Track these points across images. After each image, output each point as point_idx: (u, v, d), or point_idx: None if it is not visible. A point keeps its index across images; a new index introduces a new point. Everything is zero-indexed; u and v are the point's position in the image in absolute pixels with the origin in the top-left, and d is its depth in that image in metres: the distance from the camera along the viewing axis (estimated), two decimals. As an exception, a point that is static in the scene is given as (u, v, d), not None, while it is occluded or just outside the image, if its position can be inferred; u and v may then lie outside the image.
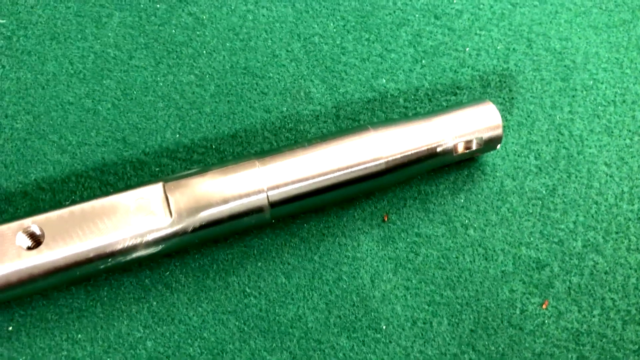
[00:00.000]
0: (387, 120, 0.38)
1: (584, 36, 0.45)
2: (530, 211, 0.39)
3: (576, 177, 0.41)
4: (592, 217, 0.40)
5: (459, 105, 0.39)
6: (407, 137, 0.37)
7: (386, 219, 0.39)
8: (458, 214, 0.39)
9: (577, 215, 0.39)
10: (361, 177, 0.36)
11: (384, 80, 0.42)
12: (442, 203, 0.39)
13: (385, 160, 0.36)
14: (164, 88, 0.41)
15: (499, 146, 0.39)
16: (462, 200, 0.39)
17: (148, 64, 0.41)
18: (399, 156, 0.36)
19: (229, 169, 0.35)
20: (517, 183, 0.40)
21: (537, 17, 0.45)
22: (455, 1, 0.45)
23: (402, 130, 0.37)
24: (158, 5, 0.43)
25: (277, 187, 0.35)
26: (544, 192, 0.40)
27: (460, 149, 0.38)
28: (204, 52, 0.42)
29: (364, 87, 0.42)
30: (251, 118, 0.40)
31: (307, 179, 0.35)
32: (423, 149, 0.37)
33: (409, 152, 0.37)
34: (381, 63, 0.43)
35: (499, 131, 0.38)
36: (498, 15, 0.45)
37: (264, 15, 0.43)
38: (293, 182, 0.35)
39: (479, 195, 0.40)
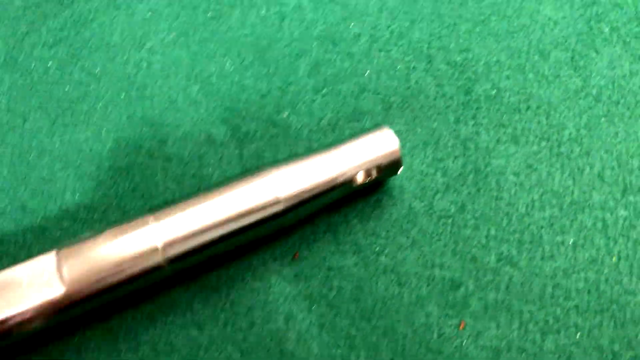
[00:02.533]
0: (286, 158, 0.38)
1: (484, 45, 0.45)
2: (441, 231, 0.40)
3: (485, 190, 0.41)
4: (504, 229, 0.40)
5: (358, 133, 0.39)
6: (304, 173, 0.37)
7: (297, 256, 0.39)
8: (368, 242, 0.39)
9: (488, 230, 0.40)
10: (260, 220, 0.36)
11: (286, 114, 0.42)
12: (352, 232, 0.39)
13: (284, 200, 0.36)
14: (61, 148, 0.40)
15: (399, 171, 0.39)
16: (372, 227, 0.40)
17: (43, 125, 0.41)
18: (296, 194, 0.36)
19: (122, 228, 0.34)
20: (425, 203, 0.40)
21: (436, 31, 0.46)
22: (352, 25, 0.45)
23: (298, 167, 0.37)
24: (49, 64, 0.43)
25: (174, 242, 0.34)
26: (453, 209, 0.40)
27: (361, 178, 0.38)
28: (99, 106, 0.42)
29: (266, 123, 0.42)
30: (151, 169, 0.40)
31: (204, 230, 0.35)
32: (322, 183, 0.37)
33: (308, 189, 0.37)
34: (281, 97, 0.43)
35: (397, 155, 0.38)
36: (396, 35, 0.45)
37: (158, 62, 0.43)
38: (190, 236, 0.35)
39: (388, 220, 0.40)
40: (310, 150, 0.39)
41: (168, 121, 0.42)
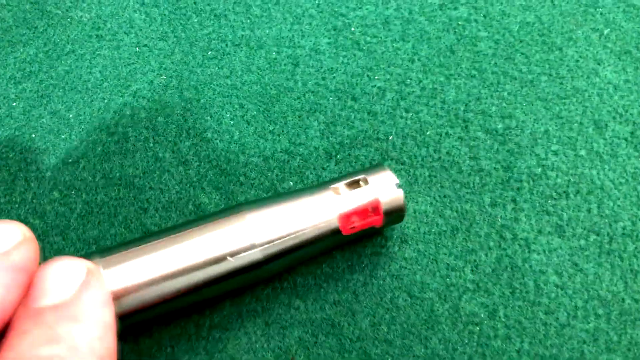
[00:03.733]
0: (265, 198, 0.34)
1: (531, 111, 0.39)
2: (466, 340, 0.34)
3: (521, 292, 0.35)
4: (540, 342, 0.35)
5: (355, 172, 0.35)
6: (287, 215, 0.33)
7: None
8: (379, 351, 0.33)
9: (521, 342, 0.35)
10: (232, 271, 0.32)
11: (292, 183, 0.36)
12: (359, 339, 0.33)
13: (260, 246, 0.31)
14: (21, 209, 0.34)
15: (403, 219, 0.35)
16: (383, 334, 0.33)
17: (2, 181, 0.35)
18: (276, 240, 0.32)
19: None
20: (449, 305, 0.35)
21: (475, 91, 0.40)
22: (377, 77, 0.39)
23: (279, 209, 0.33)
24: (14, 104, 0.37)
25: (121, 293, 0.30)
26: (482, 314, 0.35)
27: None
28: (70, 160, 0.35)
29: (267, 193, 0.36)
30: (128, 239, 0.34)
31: (156, 282, 0.30)
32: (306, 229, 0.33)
33: (291, 234, 0.32)
34: (288, 161, 0.37)
35: (400, 202, 0.34)
36: (428, 92, 0.39)
37: (144, 109, 0.37)
38: (142, 287, 0.30)
39: (404, 326, 0.34)
40: (294, 190, 0.34)
41: (151, 184, 0.36)
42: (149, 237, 0.32)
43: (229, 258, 0.32)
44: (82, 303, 0.27)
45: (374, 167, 0.36)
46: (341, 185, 0.34)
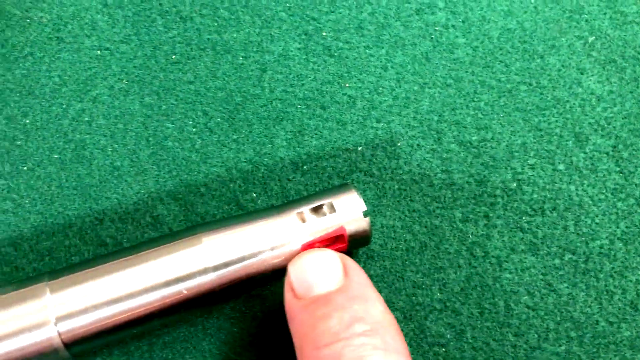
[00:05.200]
0: (221, 220, 0.33)
1: (508, 123, 0.38)
2: (430, 359, 0.33)
3: (490, 313, 0.34)
4: None
5: (320, 193, 0.34)
6: (242, 239, 0.32)
7: None
8: None
9: None
10: (183, 298, 0.31)
11: (254, 195, 0.35)
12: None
13: (213, 269, 0.31)
14: None
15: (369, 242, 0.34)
16: None
17: (-46, 185, 0.34)
18: (230, 264, 0.31)
19: (9, 297, 0.29)
20: (415, 325, 0.34)
21: (450, 101, 0.39)
22: (347, 85, 0.38)
23: (236, 233, 0.32)
24: None
25: (69, 318, 0.29)
26: (448, 336, 0.34)
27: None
28: (25, 169, 0.35)
29: (228, 205, 0.36)
30: (80, 255, 0.33)
31: (104, 305, 0.30)
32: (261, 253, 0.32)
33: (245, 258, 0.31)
34: (252, 171, 0.36)
35: (364, 226, 0.33)
36: (401, 101, 0.38)
37: (103, 116, 0.37)
38: (87, 311, 0.29)
39: None
40: (255, 211, 0.34)
41: (108, 194, 0.35)
42: (99, 258, 0.31)
43: (183, 290, 0.31)
44: (356, 284, 0.29)
45: (341, 188, 0.34)
46: (306, 210, 0.33)
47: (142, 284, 0.30)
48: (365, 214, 0.33)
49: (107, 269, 0.30)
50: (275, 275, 0.33)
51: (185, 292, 0.31)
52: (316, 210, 0.34)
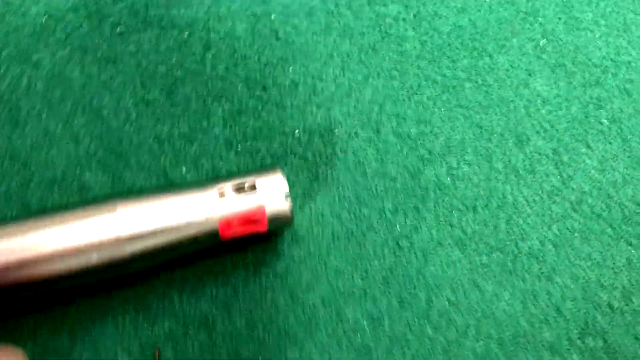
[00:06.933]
0: (138, 191, 0.34)
1: (449, 118, 0.39)
2: (344, 349, 0.33)
3: (410, 305, 0.34)
4: (424, 358, 0.33)
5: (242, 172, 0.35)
6: (158, 211, 0.32)
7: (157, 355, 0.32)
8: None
9: (403, 356, 0.34)
10: (97, 265, 0.31)
11: (184, 169, 0.35)
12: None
13: (126, 240, 0.31)
14: None
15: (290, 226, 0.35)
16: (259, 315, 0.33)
17: None
18: (144, 235, 0.31)
19: None
20: (332, 311, 0.34)
21: (393, 92, 0.39)
22: (291, 69, 0.38)
23: (153, 204, 0.32)
24: None
25: None
26: (365, 323, 0.34)
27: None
28: None
29: (156, 177, 0.36)
30: (2, 214, 0.34)
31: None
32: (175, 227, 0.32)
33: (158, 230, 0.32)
34: (184, 146, 0.37)
35: (285, 208, 0.33)
36: (344, 90, 0.39)
37: (42, 80, 0.39)
38: None
39: (282, 326, 0.33)
40: (177, 184, 0.35)
41: (37, 158, 0.36)
42: (11, 219, 0.32)
43: (93, 257, 0.31)
44: None
45: (267, 169, 0.35)
46: (228, 186, 0.34)
47: (50, 247, 0.30)
48: (287, 196, 0.34)
49: (17, 229, 0.31)
50: (192, 250, 0.34)
51: (95, 258, 0.31)
52: (239, 188, 0.34)
